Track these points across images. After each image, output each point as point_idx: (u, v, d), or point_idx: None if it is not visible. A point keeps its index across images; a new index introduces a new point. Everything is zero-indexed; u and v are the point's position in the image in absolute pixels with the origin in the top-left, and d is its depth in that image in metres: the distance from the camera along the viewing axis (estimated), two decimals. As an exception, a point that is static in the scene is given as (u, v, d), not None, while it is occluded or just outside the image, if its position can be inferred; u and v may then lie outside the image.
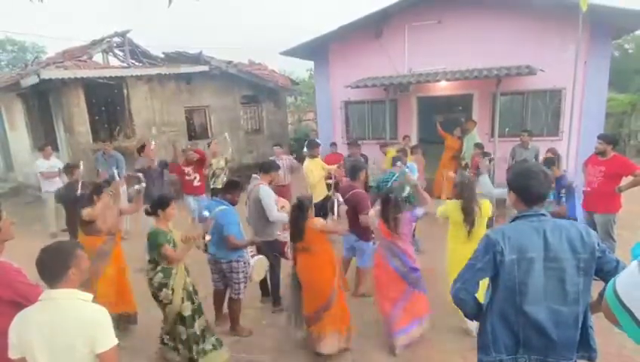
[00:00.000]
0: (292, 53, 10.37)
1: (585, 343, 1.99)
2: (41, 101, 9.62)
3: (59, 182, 7.17)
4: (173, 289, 3.36)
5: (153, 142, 6.52)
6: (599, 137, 5.13)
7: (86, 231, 3.98)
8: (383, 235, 3.78)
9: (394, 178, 4.96)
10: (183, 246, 3.41)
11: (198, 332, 3.48)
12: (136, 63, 11.50)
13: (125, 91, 9.68)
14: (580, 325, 1.95)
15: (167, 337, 3.61)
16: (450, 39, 8.69)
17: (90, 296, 1.93)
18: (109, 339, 1.84)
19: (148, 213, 3.54)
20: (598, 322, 2.08)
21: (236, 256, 3.90)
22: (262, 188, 4.34)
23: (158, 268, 3.37)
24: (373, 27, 9.27)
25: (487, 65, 8.34)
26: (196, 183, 6.37)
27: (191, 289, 3.52)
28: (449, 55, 8.70)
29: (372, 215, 4.07)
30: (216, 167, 6.96)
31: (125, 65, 11.06)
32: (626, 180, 4.93)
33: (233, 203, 4.03)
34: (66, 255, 1.89)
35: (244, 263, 3.96)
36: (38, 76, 7.98)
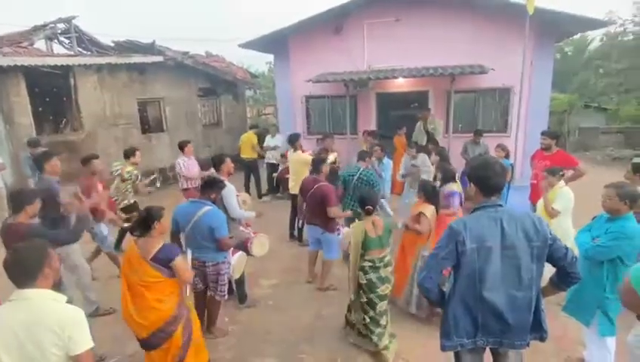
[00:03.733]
0: (251, 45, 10.21)
1: (537, 325, 2.14)
2: (-24, 90, 8.84)
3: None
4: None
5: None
6: (543, 133, 5.51)
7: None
8: None
9: (360, 171, 5.04)
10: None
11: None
12: (84, 52, 10.86)
13: (72, 81, 9.09)
14: (533, 308, 2.09)
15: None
16: (408, 37, 8.92)
17: (64, 297, 1.86)
18: (85, 341, 1.78)
19: (367, 212, 3.50)
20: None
21: (222, 257, 3.74)
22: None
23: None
24: (333, 23, 9.32)
25: (442, 63, 8.65)
26: None
27: None
28: (406, 52, 8.93)
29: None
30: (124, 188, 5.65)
31: (71, 53, 10.40)
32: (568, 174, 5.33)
33: (215, 202, 3.83)
34: (39, 253, 1.83)
35: (228, 263, 3.85)
36: (-28, 63, 7.34)
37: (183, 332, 2.87)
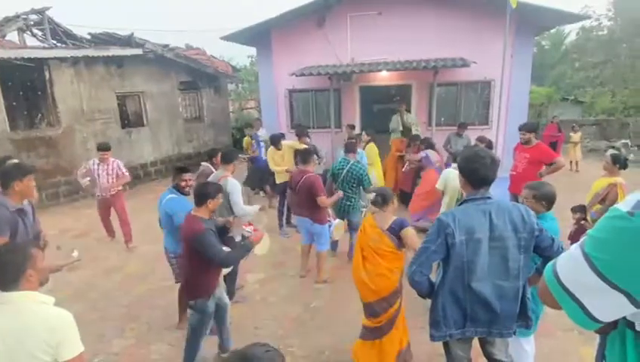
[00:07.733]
0: (233, 38, 10.06)
1: (523, 313, 2.19)
2: (-56, 84, 8.46)
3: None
4: None
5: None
6: (520, 128, 5.56)
7: None
8: None
9: (350, 165, 5.04)
10: None
11: None
12: (58, 44, 10.50)
13: (47, 74, 8.79)
14: (520, 298, 2.15)
15: None
16: (391, 30, 8.93)
17: (52, 299, 1.78)
18: (75, 345, 1.71)
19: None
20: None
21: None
22: (230, 181, 4.12)
23: None
24: (316, 15, 9.25)
25: (424, 56, 8.70)
26: None
27: None
28: (389, 46, 8.94)
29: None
30: None
31: (45, 45, 10.05)
32: (547, 167, 5.46)
33: (184, 191, 3.71)
34: (20, 255, 1.75)
35: None
36: (-61, 55, 7.02)
37: (398, 308, 3.14)
